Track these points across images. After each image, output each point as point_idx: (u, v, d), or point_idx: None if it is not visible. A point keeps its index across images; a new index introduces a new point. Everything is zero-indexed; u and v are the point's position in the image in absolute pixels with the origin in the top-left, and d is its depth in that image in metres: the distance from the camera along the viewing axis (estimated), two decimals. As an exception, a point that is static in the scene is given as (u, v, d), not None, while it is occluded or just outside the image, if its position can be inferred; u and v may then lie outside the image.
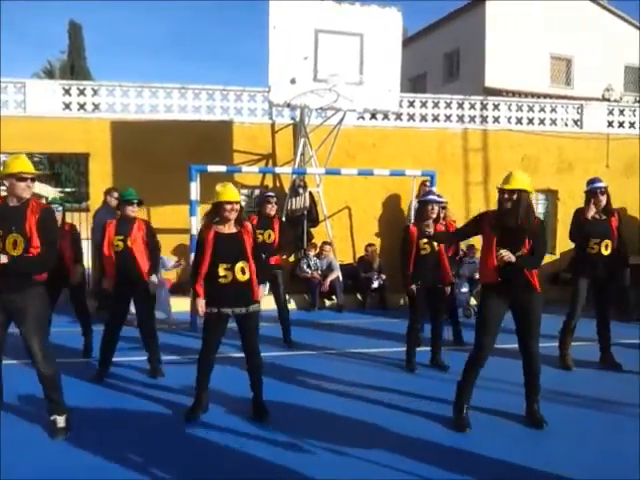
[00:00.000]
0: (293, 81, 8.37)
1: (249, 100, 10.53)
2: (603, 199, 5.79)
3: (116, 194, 7.88)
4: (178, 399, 4.79)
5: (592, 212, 5.80)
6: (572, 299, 5.91)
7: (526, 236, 4.18)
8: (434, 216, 5.72)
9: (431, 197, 5.83)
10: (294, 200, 9.84)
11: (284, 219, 9.75)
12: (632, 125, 11.90)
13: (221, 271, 4.23)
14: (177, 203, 9.15)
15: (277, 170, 9.88)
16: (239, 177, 9.68)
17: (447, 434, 4.17)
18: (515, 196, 4.09)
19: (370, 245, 10.11)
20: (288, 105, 8.66)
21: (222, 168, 8.38)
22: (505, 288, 4.22)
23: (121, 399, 4.86)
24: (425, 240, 5.69)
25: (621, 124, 11.86)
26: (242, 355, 4.55)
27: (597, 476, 3.53)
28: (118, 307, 5.51)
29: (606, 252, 5.77)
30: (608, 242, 5.75)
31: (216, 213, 4.30)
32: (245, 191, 10.37)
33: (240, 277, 4.25)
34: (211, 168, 8.16)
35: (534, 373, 4.36)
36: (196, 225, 8.03)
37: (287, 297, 9.24)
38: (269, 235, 6.68)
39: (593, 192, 5.82)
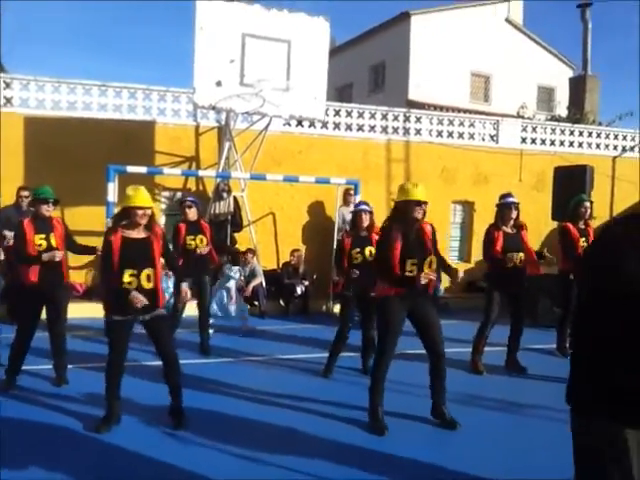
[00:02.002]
0: (219, 84, 8.28)
1: (173, 101, 10.31)
2: (514, 214, 6.07)
3: (27, 192, 7.48)
4: (85, 409, 4.58)
5: (508, 227, 6.07)
6: (487, 308, 6.15)
7: (427, 242, 4.43)
8: (366, 224, 5.86)
9: (362, 206, 5.98)
10: (218, 204, 9.69)
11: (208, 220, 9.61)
12: (543, 142, 12.61)
13: (126, 277, 4.11)
14: (94, 204, 8.80)
15: (200, 173, 9.72)
16: (160, 179, 9.44)
17: (365, 438, 4.22)
18: (425, 207, 4.38)
19: (296, 251, 10.12)
20: (213, 108, 8.55)
21: (142, 169, 8.15)
22: (405, 294, 4.38)
23: (26, 409, 4.59)
24: (357, 249, 5.81)
25: (533, 140, 12.54)
26: (157, 363, 4.43)
27: (508, 475, 3.66)
28: (32, 311, 5.19)
29: (519, 264, 6.05)
30: (521, 255, 6.04)
31: (125, 217, 4.17)
32: (166, 193, 10.13)
33: (145, 284, 4.14)
34: (131, 169, 7.92)
35: (442, 375, 4.50)
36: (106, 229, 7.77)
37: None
38: (201, 240, 6.57)
39: (507, 206, 6.08)
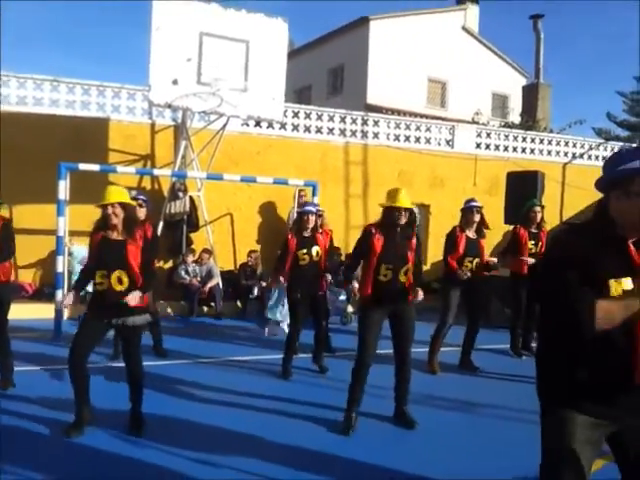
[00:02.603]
0: (175, 82, 8.15)
1: (128, 98, 10.11)
2: (477, 217, 6.20)
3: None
4: (33, 411, 4.44)
5: (470, 232, 6.20)
6: (443, 310, 6.25)
7: (409, 251, 4.48)
8: (311, 226, 5.91)
9: (307, 208, 6.02)
10: (173, 204, 9.56)
11: (162, 223, 9.46)
12: (497, 148, 12.92)
13: (97, 277, 4.06)
14: (44, 202, 8.53)
15: (156, 172, 9.56)
16: (114, 177, 9.22)
17: (323, 438, 4.22)
18: (409, 213, 4.44)
19: (253, 252, 10.05)
20: (169, 106, 8.41)
21: (95, 167, 7.94)
22: (385, 298, 4.43)
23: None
24: (304, 250, 5.84)
25: (488, 146, 12.83)
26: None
27: (463, 474, 3.71)
28: None
29: (474, 268, 6.20)
30: (477, 260, 6.20)
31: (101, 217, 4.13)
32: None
33: (116, 286, 4.04)
34: (83, 166, 7.70)
35: (407, 377, 4.59)
36: (63, 226, 7.54)
37: (164, 304, 9.02)
38: None
39: (469, 210, 6.22)
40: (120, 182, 9.61)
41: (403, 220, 4.42)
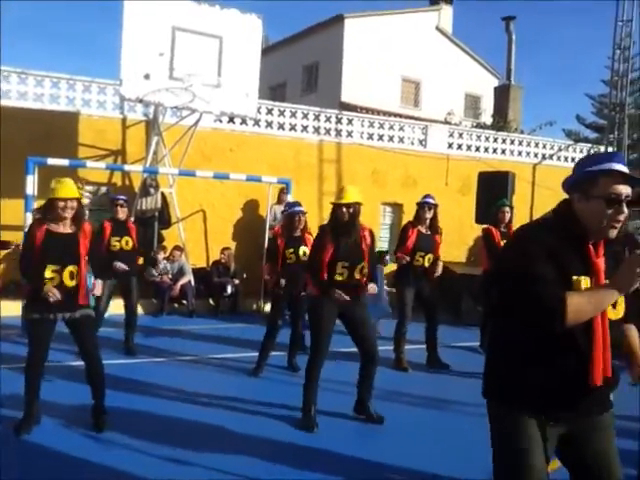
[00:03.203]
0: (147, 77, 8.05)
1: (99, 92, 9.95)
2: (429, 214, 6.27)
3: None
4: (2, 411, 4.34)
5: (424, 227, 6.26)
6: (400, 307, 6.32)
7: (363, 247, 4.46)
8: (301, 226, 5.95)
9: (298, 208, 6.02)
10: (144, 200, 9.43)
11: (132, 219, 9.33)
12: (469, 148, 13.07)
13: (48, 273, 3.94)
14: (12, 197, 8.34)
15: (126, 168, 9.43)
16: (84, 172, 9.07)
17: (295, 436, 4.22)
18: (352, 209, 4.39)
19: (226, 249, 9.99)
20: (140, 101, 8.32)
21: (64, 162, 7.80)
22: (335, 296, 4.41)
23: None
24: (291, 250, 5.87)
25: (460, 146, 12.97)
26: (79, 363, 4.26)
27: (432, 469, 3.74)
28: None
29: (427, 264, 6.27)
30: (431, 256, 6.26)
31: (50, 210, 4.00)
32: (90, 187, 9.75)
33: (68, 282, 3.97)
34: (52, 161, 7.56)
35: (372, 373, 4.59)
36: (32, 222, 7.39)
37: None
38: (127, 242, 6.39)
39: (421, 205, 6.30)
40: (90, 177, 9.49)
41: (346, 216, 4.39)
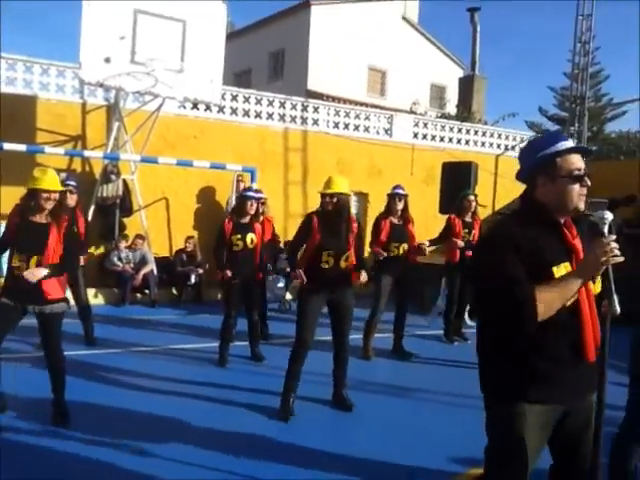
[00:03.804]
0: (108, 60, 7.84)
1: (57, 75, 9.64)
2: (400, 204, 6.31)
3: None
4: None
5: (395, 218, 6.29)
6: (376, 296, 6.36)
7: (350, 237, 4.50)
8: (252, 212, 5.87)
9: (249, 193, 5.93)
10: (105, 187, 9.22)
11: (93, 207, 9.12)
12: (434, 138, 13.17)
13: (15, 261, 3.89)
14: (-36, 183, 8.04)
15: (86, 154, 9.18)
16: (42, 158, 8.80)
17: (261, 425, 4.21)
18: (336, 199, 4.42)
19: (191, 237, 9.86)
20: (101, 85, 8.10)
21: (21, 147, 7.56)
22: (325, 285, 4.45)
23: None
24: (238, 236, 5.79)
25: (424, 136, 13.06)
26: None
27: (398, 456, 3.78)
28: None
29: (403, 253, 6.32)
30: (405, 245, 6.30)
31: (31, 199, 3.91)
32: (49, 175, 9.46)
33: None
34: (7, 146, 7.32)
35: (345, 361, 4.65)
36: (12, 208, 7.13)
37: (95, 292, 8.72)
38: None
39: (392, 196, 6.34)
40: (49, 163, 9.18)
41: (330, 206, 4.43)
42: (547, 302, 1.92)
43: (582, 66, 14.25)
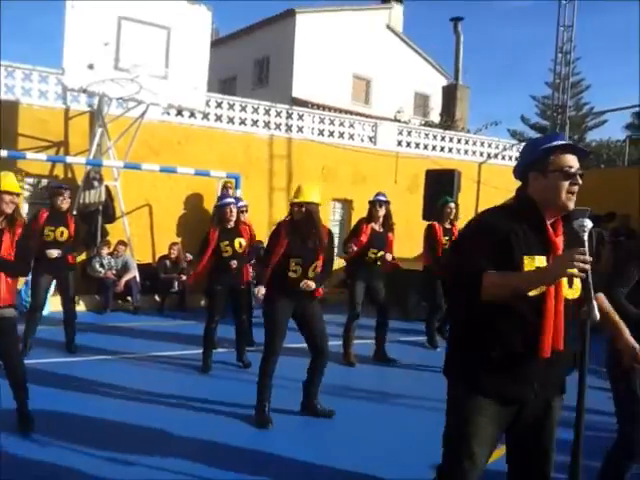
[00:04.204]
0: (91, 66, 7.80)
1: (40, 81, 9.55)
2: (381, 211, 6.33)
3: None
4: None
5: (377, 225, 6.32)
6: (351, 302, 6.36)
7: (319, 247, 4.46)
8: (233, 218, 5.86)
9: (227, 200, 5.97)
10: (88, 194, 9.14)
11: (75, 213, 9.03)
12: (417, 146, 13.26)
13: None
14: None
15: (69, 159, 9.10)
16: (23, 164, 8.71)
17: (244, 433, 4.19)
18: (304, 209, 4.38)
19: (175, 244, 9.80)
20: (84, 91, 8.05)
21: (2, 153, 7.48)
22: (291, 294, 4.43)
23: None
24: (226, 242, 5.77)
25: (408, 144, 13.14)
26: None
27: (381, 462, 3.78)
28: None
29: (379, 261, 6.34)
30: (382, 253, 6.32)
31: None
32: (30, 180, 9.38)
33: None
34: (-12, 152, 7.22)
35: (322, 370, 4.61)
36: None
37: (77, 298, 8.61)
38: (61, 233, 6.00)
39: (373, 203, 6.37)
40: (31, 170, 9.13)
41: (299, 215, 4.40)
42: (494, 281, 1.98)
43: (563, 76, 14.48)
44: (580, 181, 2.11)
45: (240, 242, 5.84)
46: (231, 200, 5.96)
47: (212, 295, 5.95)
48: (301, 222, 4.42)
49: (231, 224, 5.87)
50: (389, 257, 6.31)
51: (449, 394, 2.23)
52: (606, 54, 52.74)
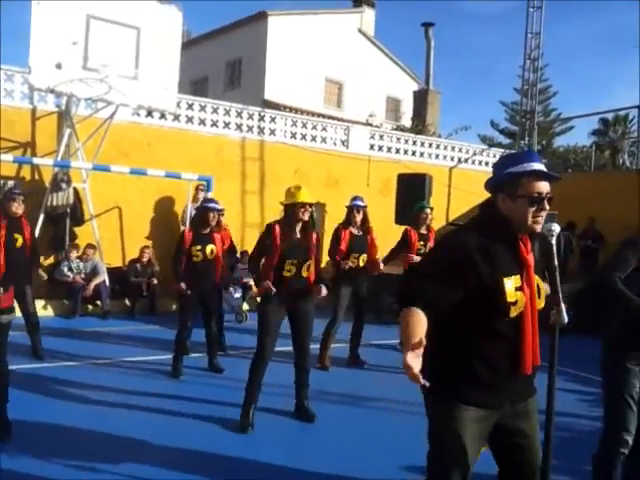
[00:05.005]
0: (59, 66, 7.65)
1: (6, 80, 9.31)
2: (359, 216, 6.36)
3: None
4: None
5: (355, 229, 6.33)
6: (335, 306, 6.36)
7: (311, 246, 4.53)
8: (214, 223, 5.83)
9: (212, 204, 5.89)
10: (55, 196, 8.95)
11: (42, 216, 8.85)
12: (389, 150, 13.35)
13: None
14: None
15: (36, 161, 8.89)
16: (-12, 166, 8.48)
17: (220, 438, 4.14)
18: (310, 209, 4.47)
19: (147, 247, 9.66)
20: (52, 91, 7.88)
21: (-34, 154, 7.26)
22: (286, 294, 4.44)
23: None
24: (198, 247, 5.72)
25: (380, 148, 13.22)
26: None
27: (359, 464, 3.78)
28: None
29: (362, 264, 6.35)
30: (365, 256, 6.34)
31: None
32: (-4, 182, 9.14)
33: None
34: (-49, 153, 7.01)
35: (307, 371, 4.64)
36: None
37: (44, 303, 8.44)
38: (16, 240, 5.77)
39: (350, 209, 6.38)
40: (-5, 171, 8.88)
41: (306, 216, 4.45)
42: (405, 319, 1.97)
43: (531, 82, 14.76)
44: (547, 207, 2.09)
45: (212, 249, 5.79)
46: (215, 205, 5.88)
47: (183, 300, 5.88)
48: (297, 223, 4.46)
49: (207, 229, 5.82)
50: (415, 258, 6.49)
51: (431, 411, 2.20)
52: (572, 62, 53.97)
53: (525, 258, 2.10)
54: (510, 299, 2.03)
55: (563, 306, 2.13)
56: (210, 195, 8.95)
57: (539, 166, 2.10)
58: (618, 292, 2.88)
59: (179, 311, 6.05)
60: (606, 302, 3.04)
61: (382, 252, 10.63)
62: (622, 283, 2.90)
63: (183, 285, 5.65)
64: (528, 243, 2.15)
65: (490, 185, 2.20)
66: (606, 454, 3.02)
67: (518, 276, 2.07)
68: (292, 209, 4.47)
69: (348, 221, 6.36)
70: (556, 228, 2.15)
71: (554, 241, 2.14)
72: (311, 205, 4.50)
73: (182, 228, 9.27)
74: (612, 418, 2.99)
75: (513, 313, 2.04)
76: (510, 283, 2.04)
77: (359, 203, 6.38)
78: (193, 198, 9.72)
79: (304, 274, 4.52)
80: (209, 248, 5.77)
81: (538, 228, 2.11)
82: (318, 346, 6.26)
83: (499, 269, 2.04)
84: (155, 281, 9.38)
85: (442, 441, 2.14)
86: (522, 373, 2.08)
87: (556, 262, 2.15)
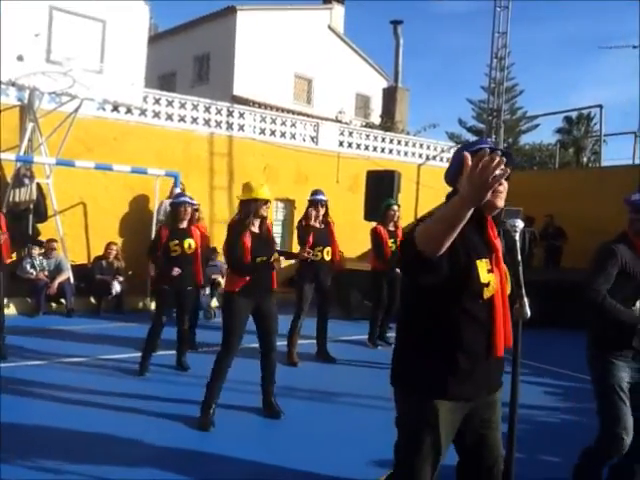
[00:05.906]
0: (20, 58, 7.46)
1: (-35, 72, 9.05)
2: (322, 211, 6.41)
3: None
4: None
5: (317, 222, 6.35)
6: (298, 301, 6.38)
7: (273, 241, 4.62)
8: (187, 217, 5.77)
9: (184, 198, 5.85)
10: (18, 191, 8.73)
11: (4, 211, 8.62)
12: (359, 146, 13.39)
13: None
14: None
15: (-3, 156, 8.66)
16: (-54, 160, 8.24)
17: (184, 436, 4.10)
18: (268, 205, 4.54)
19: (113, 244, 9.50)
20: (13, 84, 7.68)
21: None
22: (251, 291, 4.43)
23: None
24: (176, 241, 5.68)
25: (350, 144, 13.26)
26: None
27: (325, 460, 3.78)
28: None
29: (327, 257, 6.39)
30: (329, 249, 6.37)
31: None
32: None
33: None
34: None
35: (273, 368, 4.63)
36: None
37: (6, 301, 8.21)
38: None
39: (314, 203, 6.41)
40: (-47, 165, 8.63)
41: (265, 212, 4.48)
42: (422, 228, 1.87)
43: (498, 80, 14.98)
44: (505, 183, 2.08)
45: (190, 243, 5.73)
46: (187, 199, 5.82)
47: (159, 295, 5.83)
48: (262, 219, 4.52)
49: (184, 224, 5.76)
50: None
51: (403, 403, 2.20)
52: (537, 61, 55.03)
53: (493, 242, 2.15)
54: (483, 280, 2.07)
55: (526, 300, 2.17)
56: (177, 190, 8.85)
57: (489, 145, 2.12)
58: (608, 308, 2.97)
59: (155, 306, 5.96)
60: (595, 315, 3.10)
61: (352, 247, 10.74)
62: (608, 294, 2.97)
63: (177, 270, 5.59)
64: (494, 228, 2.19)
65: (449, 175, 2.21)
66: (601, 451, 3.04)
67: (488, 259, 2.11)
68: (254, 205, 4.46)
69: (309, 215, 6.39)
70: (519, 224, 2.19)
71: (517, 237, 2.19)
72: (269, 202, 4.58)
73: (154, 224, 9.18)
74: (606, 412, 3.01)
75: (486, 295, 2.08)
76: (482, 265, 2.08)
77: (322, 197, 6.41)
78: (170, 194, 9.59)
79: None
80: (187, 242, 5.72)
81: (500, 202, 2.11)
82: (284, 343, 6.27)
83: (473, 251, 2.07)
84: (121, 278, 9.22)
85: (415, 433, 2.14)
86: (495, 355, 2.11)
87: (519, 257, 2.19)
